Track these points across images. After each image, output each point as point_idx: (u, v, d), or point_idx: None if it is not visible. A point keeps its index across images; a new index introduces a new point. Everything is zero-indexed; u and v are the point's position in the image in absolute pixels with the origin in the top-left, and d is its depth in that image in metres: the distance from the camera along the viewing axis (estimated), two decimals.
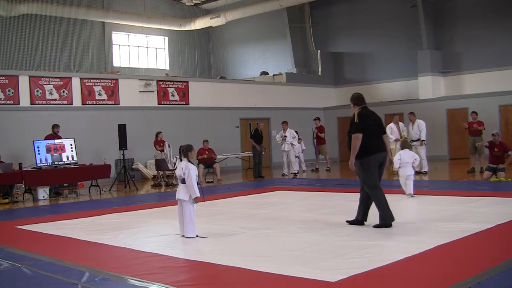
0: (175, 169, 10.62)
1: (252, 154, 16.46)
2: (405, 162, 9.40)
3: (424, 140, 14.13)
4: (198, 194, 6.51)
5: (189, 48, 25.94)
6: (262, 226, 7.21)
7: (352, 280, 4.37)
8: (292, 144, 15.63)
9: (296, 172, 15.55)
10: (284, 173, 15.78)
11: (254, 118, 19.75)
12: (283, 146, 15.74)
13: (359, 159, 6.72)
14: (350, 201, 9.22)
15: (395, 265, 4.79)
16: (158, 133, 15.48)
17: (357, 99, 6.99)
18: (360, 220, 6.91)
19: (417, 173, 14.04)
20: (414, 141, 14.05)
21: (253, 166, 16.26)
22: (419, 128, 14.14)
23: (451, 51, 20.06)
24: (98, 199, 12.06)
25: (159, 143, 15.28)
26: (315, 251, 5.53)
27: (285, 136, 15.64)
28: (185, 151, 6.66)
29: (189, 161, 6.64)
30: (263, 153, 16.22)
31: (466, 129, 14.36)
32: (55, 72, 17.63)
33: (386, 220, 6.66)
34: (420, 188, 10.89)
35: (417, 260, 4.97)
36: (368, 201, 6.86)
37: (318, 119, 17.60)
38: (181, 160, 6.76)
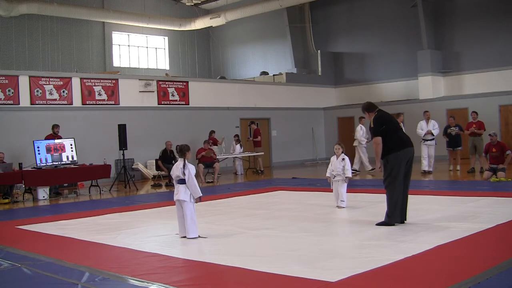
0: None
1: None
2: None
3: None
4: (201, 194, 6.51)
5: (189, 48, 25.94)
6: (262, 226, 7.21)
7: (352, 280, 4.36)
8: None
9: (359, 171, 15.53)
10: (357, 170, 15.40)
11: (254, 118, 19.74)
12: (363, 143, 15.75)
13: (389, 154, 6.64)
14: (350, 201, 9.25)
15: (395, 265, 4.79)
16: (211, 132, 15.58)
17: (369, 107, 6.96)
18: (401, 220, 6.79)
19: (424, 172, 14.11)
20: (427, 140, 14.13)
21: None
22: (433, 128, 14.23)
23: (451, 51, 20.05)
24: (98, 199, 12.05)
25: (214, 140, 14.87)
26: (315, 251, 5.53)
27: None
28: (182, 151, 6.63)
29: (187, 161, 6.63)
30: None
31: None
32: (55, 72, 17.61)
33: (391, 219, 6.67)
34: (420, 188, 10.90)
35: (417, 260, 4.97)
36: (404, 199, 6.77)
37: (253, 122, 17.91)
38: (176, 160, 6.73)
